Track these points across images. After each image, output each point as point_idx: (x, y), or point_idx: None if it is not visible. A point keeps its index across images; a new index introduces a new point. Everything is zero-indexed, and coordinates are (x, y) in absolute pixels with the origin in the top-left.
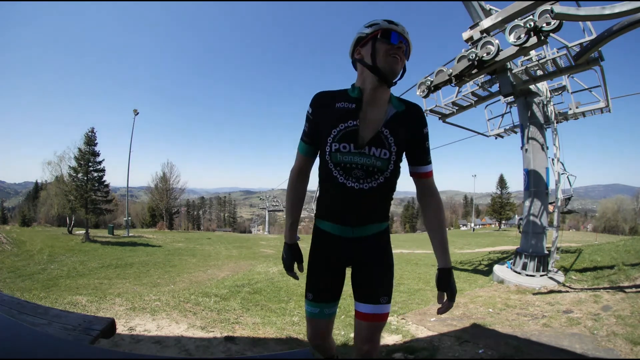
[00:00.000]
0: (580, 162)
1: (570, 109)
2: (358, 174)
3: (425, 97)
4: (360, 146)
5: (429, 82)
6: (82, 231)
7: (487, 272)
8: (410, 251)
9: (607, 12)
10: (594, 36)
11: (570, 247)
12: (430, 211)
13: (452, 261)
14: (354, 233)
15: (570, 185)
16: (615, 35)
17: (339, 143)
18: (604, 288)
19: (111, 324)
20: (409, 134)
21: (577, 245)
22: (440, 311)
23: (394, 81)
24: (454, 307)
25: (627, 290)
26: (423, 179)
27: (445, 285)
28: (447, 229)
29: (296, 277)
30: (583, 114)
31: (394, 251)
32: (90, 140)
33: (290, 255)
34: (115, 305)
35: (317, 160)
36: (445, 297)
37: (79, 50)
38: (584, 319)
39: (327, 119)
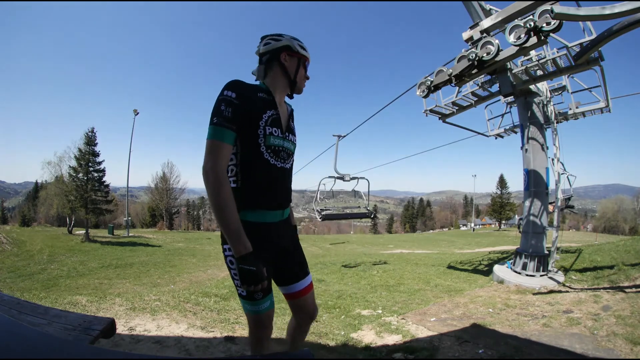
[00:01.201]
0: (580, 162)
1: (570, 109)
2: (283, 155)
3: (425, 97)
4: (283, 132)
5: (429, 82)
6: (82, 231)
7: (487, 272)
8: (410, 251)
9: (607, 12)
10: (594, 36)
11: (570, 247)
12: None
13: (452, 261)
14: (284, 215)
15: (570, 185)
16: (616, 35)
17: (271, 127)
18: (604, 288)
19: (111, 324)
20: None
21: (577, 245)
22: None
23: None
24: (454, 307)
25: (627, 290)
26: None
27: None
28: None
29: (267, 289)
30: (583, 114)
31: (395, 251)
32: (90, 140)
33: (261, 263)
34: (115, 305)
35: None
36: None
37: (80, 51)
38: (584, 319)
39: (254, 105)
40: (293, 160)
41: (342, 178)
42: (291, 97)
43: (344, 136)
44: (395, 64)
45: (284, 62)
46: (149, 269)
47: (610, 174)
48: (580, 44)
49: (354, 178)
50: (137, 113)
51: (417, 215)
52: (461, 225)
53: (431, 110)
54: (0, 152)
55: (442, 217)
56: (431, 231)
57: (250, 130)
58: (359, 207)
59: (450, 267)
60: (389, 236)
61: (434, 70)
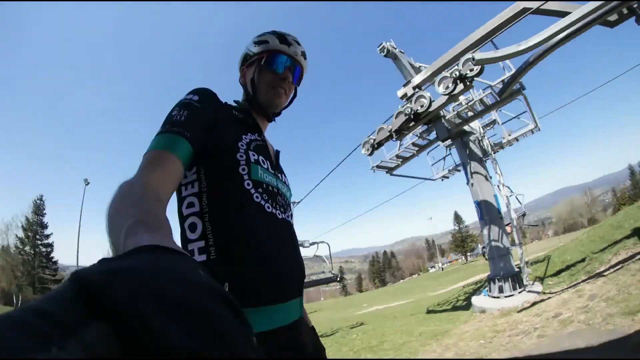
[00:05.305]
0: (524, 179)
1: (504, 138)
2: (281, 201)
3: (370, 154)
4: (274, 166)
5: (372, 141)
6: None
7: (467, 305)
8: (385, 306)
9: (522, 47)
10: (513, 71)
11: (538, 257)
12: None
13: (430, 305)
14: (299, 310)
15: (521, 203)
16: (532, 65)
17: (257, 154)
18: (583, 281)
19: None
20: None
21: (545, 253)
22: None
23: (275, 114)
24: (444, 350)
25: (605, 273)
26: None
27: None
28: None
29: None
30: (516, 139)
31: (370, 309)
32: (39, 208)
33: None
34: None
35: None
36: None
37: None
38: (575, 315)
39: (227, 119)
40: (292, 216)
41: (301, 245)
42: (269, 119)
43: (297, 203)
44: (339, 121)
45: (241, 80)
46: None
47: (554, 181)
48: (502, 80)
49: (313, 243)
50: (88, 183)
51: (384, 268)
52: (429, 268)
53: (378, 166)
54: None
55: (409, 265)
56: (401, 281)
57: (223, 150)
58: (323, 272)
59: (429, 311)
60: (361, 295)
61: (375, 129)
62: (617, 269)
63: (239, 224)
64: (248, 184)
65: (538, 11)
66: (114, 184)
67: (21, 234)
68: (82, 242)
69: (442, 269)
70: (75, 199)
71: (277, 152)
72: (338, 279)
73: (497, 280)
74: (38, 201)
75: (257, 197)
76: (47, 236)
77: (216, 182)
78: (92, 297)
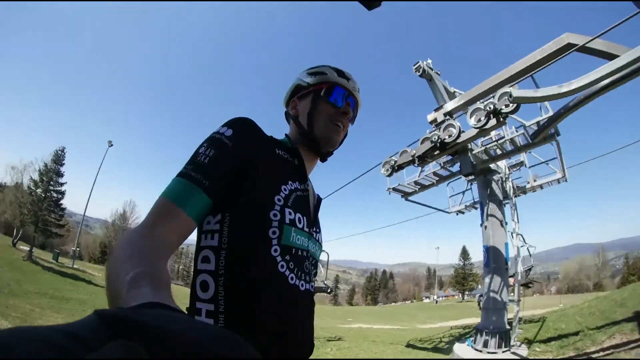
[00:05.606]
0: (539, 228)
1: (529, 182)
2: (308, 267)
3: (389, 175)
4: (310, 223)
5: (393, 162)
6: (27, 248)
7: (448, 349)
8: (369, 326)
9: (563, 90)
10: (550, 113)
11: (534, 315)
12: None
13: (412, 339)
14: None
15: (531, 255)
16: (572, 110)
17: (294, 211)
18: (570, 358)
19: None
20: None
21: (542, 312)
22: None
23: (329, 153)
24: None
25: (594, 355)
26: None
27: None
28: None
29: None
30: (541, 186)
31: (353, 326)
32: (59, 158)
33: None
34: None
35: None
36: None
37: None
38: None
39: (267, 161)
40: (316, 274)
41: None
42: (323, 158)
43: None
44: (366, 138)
45: (292, 112)
46: (85, 309)
47: (569, 235)
48: (538, 122)
49: None
50: (112, 144)
51: (379, 287)
52: (424, 298)
53: (394, 189)
54: None
55: (404, 290)
56: (393, 304)
57: (255, 204)
58: (316, 280)
59: (409, 345)
60: (350, 308)
61: (399, 150)
62: (607, 354)
63: (257, 295)
64: (275, 250)
65: (584, 49)
66: (133, 149)
67: (36, 177)
68: (92, 195)
69: (437, 301)
70: (95, 159)
71: (318, 200)
72: (329, 290)
73: (484, 334)
74: (59, 152)
75: (282, 267)
76: (61, 184)
77: (240, 240)
78: (119, 320)
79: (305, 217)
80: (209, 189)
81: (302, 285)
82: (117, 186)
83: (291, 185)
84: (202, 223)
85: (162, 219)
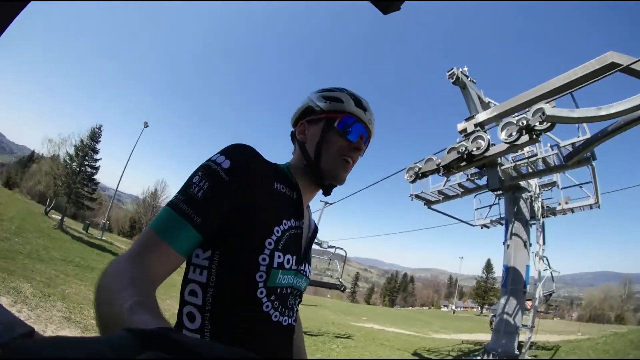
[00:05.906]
0: (568, 249)
1: (560, 204)
2: (291, 302)
3: (413, 182)
4: (300, 261)
5: (418, 169)
6: (59, 217)
7: None
8: (382, 327)
9: (602, 113)
10: (587, 136)
11: (547, 342)
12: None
13: (420, 348)
14: None
15: (553, 280)
16: (611, 135)
17: (284, 253)
18: None
19: (29, 335)
20: None
21: (557, 340)
22: None
23: (332, 186)
24: None
25: None
26: None
27: None
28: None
29: None
30: (572, 210)
31: (366, 325)
32: (95, 135)
33: None
34: (53, 309)
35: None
36: None
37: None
38: None
39: (263, 197)
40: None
41: (319, 244)
42: (326, 192)
43: (332, 204)
44: (396, 142)
45: (300, 137)
46: None
47: (598, 261)
48: (573, 143)
49: (332, 247)
50: (147, 125)
51: (398, 289)
52: (442, 306)
53: (417, 196)
54: (14, 108)
55: (423, 295)
56: (410, 308)
57: (245, 247)
58: (331, 276)
59: (416, 353)
60: (366, 307)
61: (425, 157)
62: None
63: (240, 331)
64: (261, 292)
65: (628, 70)
66: (167, 132)
67: (72, 152)
68: (126, 171)
69: (454, 311)
70: (131, 138)
71: (314, 232)
72: (342, 288)
73: (491, 355)
74: (96, 129)
75: (267, 307)
76: (96, 160)
77: (228, 281)
78: (151, 335)
79: (294, 257)
80: (199, 226)
81: (285, 320)
82: (151, 165)
83: (285, 225)
84: (192, 255)
85: (150, 250)
